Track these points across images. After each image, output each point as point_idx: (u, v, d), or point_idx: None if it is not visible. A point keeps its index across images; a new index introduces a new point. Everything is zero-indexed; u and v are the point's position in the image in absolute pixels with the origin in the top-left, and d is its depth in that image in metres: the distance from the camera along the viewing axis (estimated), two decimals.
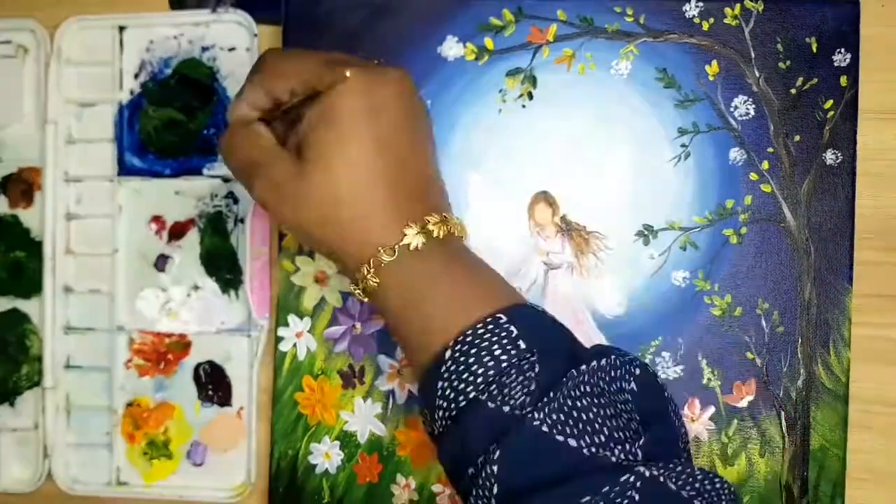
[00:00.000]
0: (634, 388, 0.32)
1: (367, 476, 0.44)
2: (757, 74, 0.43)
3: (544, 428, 0.29)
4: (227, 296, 0.46)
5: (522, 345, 0.31)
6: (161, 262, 0.46)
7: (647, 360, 0.42)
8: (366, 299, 0.34)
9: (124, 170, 0.46)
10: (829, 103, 0.42)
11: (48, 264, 0.46)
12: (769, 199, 0.43)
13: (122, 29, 0.46)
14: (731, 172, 0.43)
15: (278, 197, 0.33)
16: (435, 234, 0.33)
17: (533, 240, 0.43)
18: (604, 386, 0.31)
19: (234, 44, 0.45)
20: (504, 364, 0.31)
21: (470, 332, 0.32)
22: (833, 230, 0.42)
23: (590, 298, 0.43)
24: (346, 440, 0.44)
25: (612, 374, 0.32)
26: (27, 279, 0.47)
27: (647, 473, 0.29)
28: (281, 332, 0.44)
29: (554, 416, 0.29)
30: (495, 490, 0.29)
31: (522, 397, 0.30)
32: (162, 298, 0.46)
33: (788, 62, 0.43)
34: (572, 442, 0.29)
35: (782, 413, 0.42)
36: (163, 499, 0.46)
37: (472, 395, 0.31)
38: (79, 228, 0.47)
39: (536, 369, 0.31)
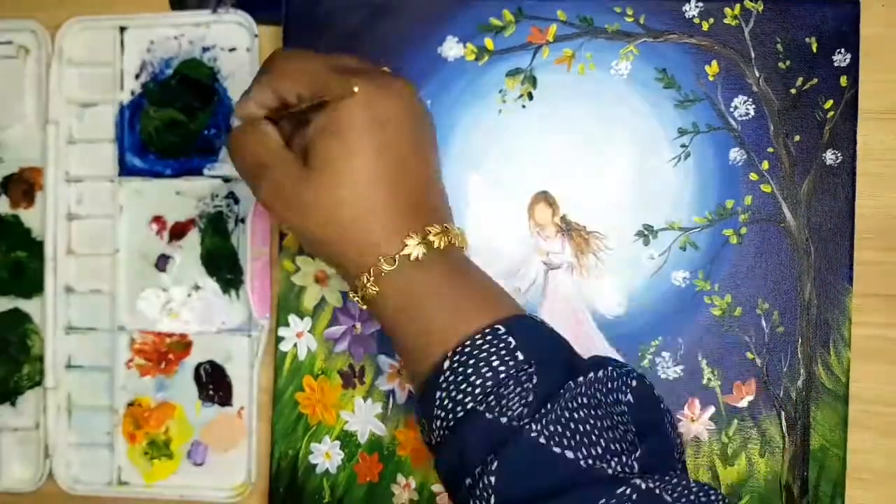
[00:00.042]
0: (631, 399, 0.33)
1: (368, 476, 0.44)
2: (757, 74, 0.43)
3: (542, 439, 0.29)
4: (228, 296, 0.46)
5: (520, 356, 0.31)
6: (162, 263, 0.46)
7: (647, 360, 0.42)
8: (364, 307, 0.35)
9: (125, 170, 0.46)
10: (829, 103, 0.42)
11: (49, 264, 0.46)
12: (769, 199, 0.43)
13: (122, 29, 0.46)
14: (731, 172, 0.43)
15: (283, 200, 0.33)
16: (436, 244, 0.33)
17: (533, 240, 0.43)
18: (601, 397, 0.31)
19: (234, 44, 0.46)
20: (502, 375, 0.31)
21: (468, 342, 0.32)
22: (833, 230, 0.42)
23: (590, 298, 0.43)
24: (347, 440, 0.44)
25: (609, 385, 0.32)
26: (28, 279, 0.47)
27: (644, 486, 0.29)
28: (281, 331, 0.44)
29: (551, 428, 0.30)
30: (492, 501, 0.29)
31: (520, 408, 0.30)
32: (163, 298, 0.46)
33: (788, 62, 0.43)
34: (569, 454, 0.29)
35: (782, 413, 0.42)
36: (163, 498, 0.46)
37: (469, 406, 0.31)
38: (80, 228, 0.47)
39: (534, 380, 0.31)
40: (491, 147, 0.43)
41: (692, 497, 0.29)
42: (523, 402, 0.30)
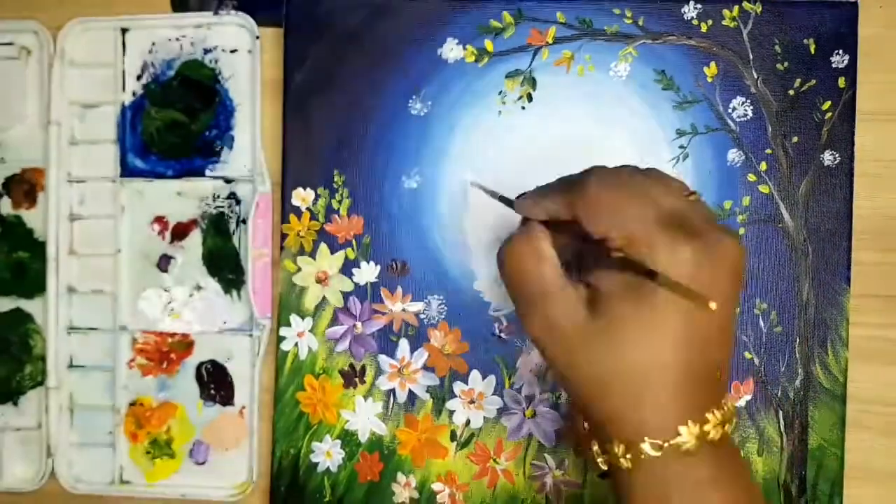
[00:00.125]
0: None
1: (368, 474, 0.44)
2: (755, 76, 0.43)
3: None
4: (230, 296, 0.46)
5: None
6: (164, 263, 0.46)
7: None
8: (605, 467, 0.31)
9: (127, 171, 0.46)
10: (827, 104, 0.43)
11: (51, 265, 0.46)
12: (767, 200, 0.43)
13: (124, 31, 0.46)
14: (729, 173, 0.43)
15: (555, 338, 0.31)
16: (711, 436, 0.29)
17: None
18: None
19: (235, 45, 0.46)
20: None
21: None
22: (831, 231, 0.43)
23: None
24: (348, 439, 0.44)
25: None
26: (30, 279, 0.47)
27: None
28: (283, 331, 0.45)
29: None
30: None
31: None
32: (164, 298, 0.46)
33: (787, 64, 0.43)
34: None
35: (780, 412, 0.43)
36: (165, 498, 0.46)
37: None
38: (82, 229, 0.47)
39: None
40: (491, 148, 0.44)
41: None
42: None
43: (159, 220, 0.47)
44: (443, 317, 0.44)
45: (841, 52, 0.43)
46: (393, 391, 0.44)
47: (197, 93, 0.46)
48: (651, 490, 0.29)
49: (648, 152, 0.43)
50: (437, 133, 0.44)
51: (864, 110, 0.43)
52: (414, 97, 0.44)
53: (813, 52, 0.43)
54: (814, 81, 0.43)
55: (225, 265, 0.46)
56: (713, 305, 0.26)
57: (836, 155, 0.43)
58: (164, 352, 0.46)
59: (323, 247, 0.44)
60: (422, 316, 0.44)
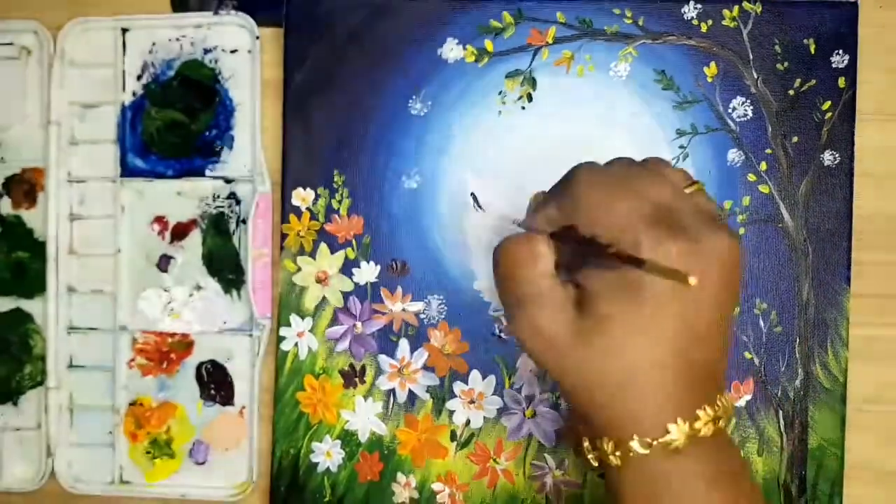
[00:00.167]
0: None
1: (368, 474, 0.44)
2: (755, 76, 0.43)
3: None
4: (230, 296, 0.46)
5: None
6: (163, 263, 0.46)
7: None
8: (595, 463, 0.31)
9: (127, 171, 0.46)
10: (827, 104, 0.43)
11: (51, 264, 0.46)
12: (767, 199, 0.43)
13: (124, 31, 0.46)
14: (729, 173, 0.43)
15: (542, 341, 0.30)
16: (702, 432, 0.29)
17: None
18: None
19: (235, 45, 0.46)
20: None
21: None
22: (831, 231, 0.43)
23: None
24: (347, 439, 0.44)
25: None
26: (30, 279, 0.47)
27: None
28: (282, 331, 0.45)
29: None
30: None
31: None
32: (164, 298, 0.46)
33: (787, 63, 0.43)
34: None
35: (780, 412, 0.43)
36: (165, 498, 0.46)
37: None
38: (82, 229, 0.47)
39: None
40: (490, 148, 0.44)
41: None
42: None
43: (159, 220, 0.47)
44: (443, 317, 0.44)
45: (841, 52, 0.43)
46: (393, 391, 0.44)
47: (197, 93, 0.46)
48: (640, 488, 0.29)
49: (648, 152, 0.42)
50: (437, 133, 0.44)
51: (864, 110, 0.43)
52: (414, 97, 0.44)
53: (813, 52, 0.43)
54: (814, 81, 0.43)
55: (225, 265, 0.46)
56: (693, 280, 0.25)
57: (836, 155, 0.43)
58: (164, 352, 0.46)
59: (323, 247, 0.44)
60: (422, 316, 0.44)
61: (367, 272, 0.44)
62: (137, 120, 0.46)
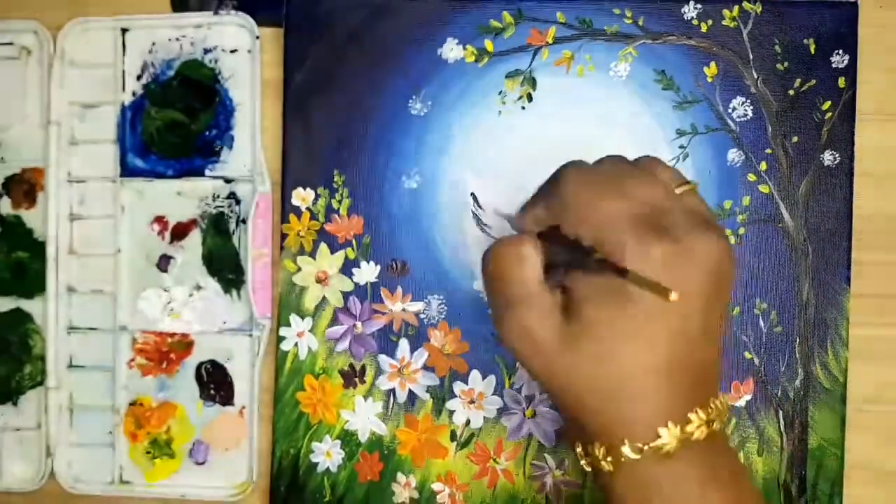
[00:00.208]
0: None
1: (368, 474, 0.44)
2: (755, 76, 0.43)
3: None
4: (229, 296, 0.46)
5: None
6: (163, 263, 0.46)
7: None
8: (588, 469, 0.30)
9: (127, 171, 0.46)
10: (827, 104, 0.43)
11: (51, 264, 0.46)
12: (767, 199, 0.43)
13: (124, 31, 0.46)
14: (729, 173, 0.43)
15: (528, 345, 0.30)
16: (695, 436, 0.28)
17: None
18: None
19: (235, 45, 0.46)
20: None
21: None
22: (831, 231, 0.43)
23: None
24: (347, 439, 0.44)
25: None
26: (30, 279, 0.47)
27: None
28: (282, 331, 0.45)
29: None
30: None
31: None
32: (164, 298, 0.46)
33: (786, 63, 0.43)
34: None
35: (780, 412, 0.43)
36: (165, 498, 0.46)
37: None
38: (81, 229, 0.47)
39: None
40: (490, 148, 0.44)
41: None
42: None
43: (159, 220, 0.47)
44: (443, 317, 0.44)
45: (841, 52, 0.43)
46: (393, 391, 0.44)
47: (197, 93, 0.46)
48: (632, 492, 0.29)
49: (648, 152, 0.42)
50: (437, 133, 0.44)
51: (864, 110, 0.43)
52: (414, 97, 0.44)
53: (813, 52, 0.43)
54: (814, 81, 0.43)
55: (225, 265, 0.46)
56: (674, 296, 0.25)
57: (836, 155, 0.43)
58: (164, 352, 0.46)
59: (323, 247, 0.44)
60: (422, 316, 0.44)
61: (367, 272, 0.44)
62: (137, 120, 0.46)
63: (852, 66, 0.42)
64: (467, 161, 0.44)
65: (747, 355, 0.43)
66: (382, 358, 0.44)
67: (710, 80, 0.43)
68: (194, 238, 0.46)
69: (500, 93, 0.44)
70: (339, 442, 0.44)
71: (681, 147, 0.43)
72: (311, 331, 0.44)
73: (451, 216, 0.44)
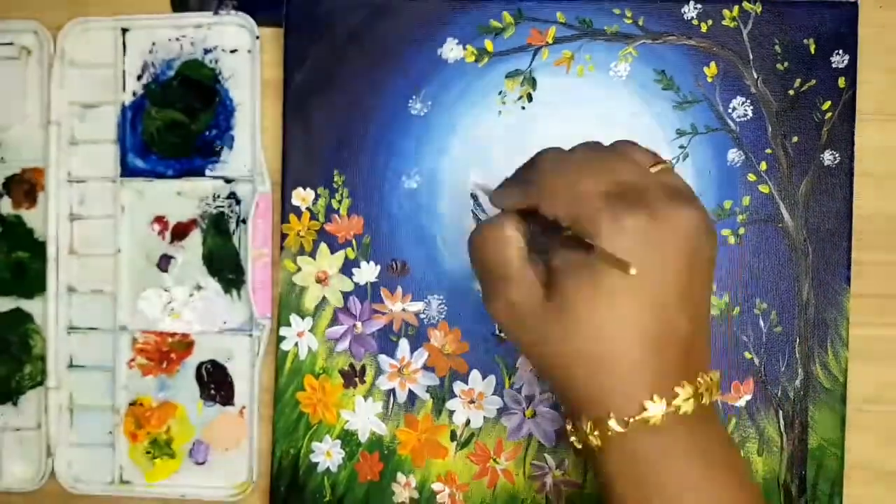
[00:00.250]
0: None
1: (368, 474, 0.44)
2: (755, 76, 0.43)
3: None
4: (230, 296, 0.46)
5: None
6: (164, 263, 0.46)
7: None
8: (579, 446, 0.31)
9: (127, 171, 0.46)
10: (827, 104, 0.43)
11: (51, 264, 0.46)
12: (767, 199, 0.43)
13: (124, 31, 0.46)
14: (729, 173, 0.43)
15: (516, 322, 0.31)
16: (682, 409, 0.29)
17: None
18: None
19: (235, 45, 0.46)
20: None
21: None
22: (831, 231, 0.43)
23: None
24: (347, 439, 0.44)
25: None
26: (30, 279, 0.47)
27: None
28: (283, 331, 0.45)
29: None
30: None
31: None
32: (164, 298, 0.46)
33: (786, 63, 0.43)
34: None
35: (780, 412, 0.43)
36: (165, 498, 0.46)
37: None
38: (82, 229, 0.47)
39: None
40: (491, 148, 0.44)
41: None
42: None
43: (159, 219, 0.47)
44: (443, 317, 0.44)
45: (841, 52, 0.43)
46: (393, 391, 0.44)
47: (197, 93, 0.46)
48: (621, 467, 0.29)
49: None
50: (437, 133, 0.44)
51: (864, 110, 0.43)
52: (414, 97, 0.44)
53: (813, 52, 0.43)
54: (814, 81, 0.43)
55: (225, 265, 0.46)
56: (633, 270, 0.26)
57: (836, 155, 0.43)
58: (164, 352, 0.46)
59: (323, 247, 0.44)
60: (422, 316, 0.44)
61: (367, 272, 0.44)
62: (137, 120, 0.46)
63: (852, 66, 0.42)
64: (467, 161, 0.44)
65: (747, 355, 0.43)
66: (382, 358, 0.44)
67: (710, 80, 0.43)
68: (194, 238, 0.46)
69: (500, 93, 0.44)
70: (339, 442, 0.44)
71: (681, 147, 0.43)
72: (311, 331, 0.44)
73: (451, 216, 0.44)
